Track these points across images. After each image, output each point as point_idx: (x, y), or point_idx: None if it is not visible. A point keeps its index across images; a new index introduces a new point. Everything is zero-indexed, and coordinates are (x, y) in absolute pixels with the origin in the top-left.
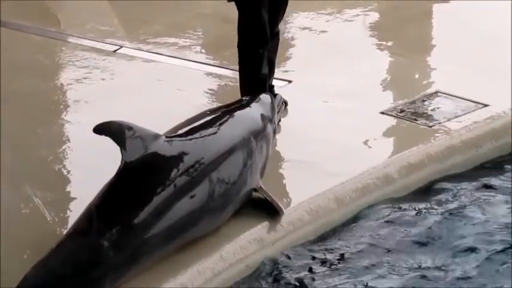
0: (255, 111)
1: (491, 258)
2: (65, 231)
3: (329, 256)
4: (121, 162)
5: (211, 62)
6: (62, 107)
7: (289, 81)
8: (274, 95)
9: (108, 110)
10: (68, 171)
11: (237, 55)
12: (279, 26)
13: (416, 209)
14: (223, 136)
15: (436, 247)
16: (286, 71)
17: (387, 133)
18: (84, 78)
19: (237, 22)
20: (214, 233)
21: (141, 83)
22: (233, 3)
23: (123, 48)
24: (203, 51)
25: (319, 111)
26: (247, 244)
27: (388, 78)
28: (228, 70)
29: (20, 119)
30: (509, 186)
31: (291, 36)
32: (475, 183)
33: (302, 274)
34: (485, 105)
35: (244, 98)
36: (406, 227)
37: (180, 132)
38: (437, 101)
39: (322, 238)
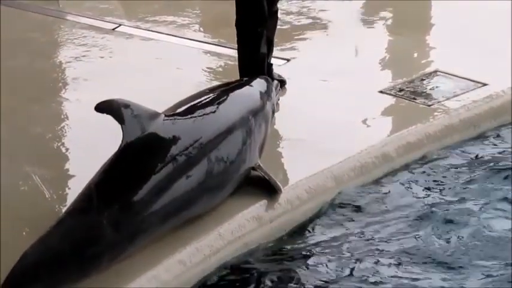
0: (254, 90)
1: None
2: (64, 209)
3: (325, 235)
4: (121, 141)
5: (209, 40)
6: (60, 84)
7: (288, 60)
8: (272, 79)
9: (106, 88)
10: (67, 149)
11: (235, 34)
12: (277, 4)
13: (413, 186)
14: (222, 115)
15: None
16: (284, 50)
17: (386, 112)
18: (83, 56)
19: (235, 0)
20: (212, 211)
21: (140, 61)
22: None
23: (121, 26)
24: (201, 29)
25: (318, 90)
26: (245, 222)
27: (387, 57)
28: (227, 49)
29: (18, 97)
30: (508, 162)
31: (290, 14)
32: (472, 159)
33: (298, 254)
34: (484, 84)
35: (244, 77)
36: (403, 206)
37: (179, 110)
38: (437, 80)
39: (319, 217)
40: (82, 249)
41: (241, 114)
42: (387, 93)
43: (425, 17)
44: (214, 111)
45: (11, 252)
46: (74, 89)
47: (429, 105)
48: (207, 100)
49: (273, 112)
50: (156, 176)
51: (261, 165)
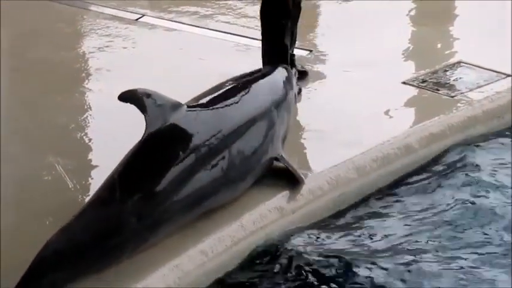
0: (276, 80)
1: None
2: (86, 199)
3: (348, 225)
4: (144, 131)
5: (233, 31)
6: (83, 75)
7: (310, 51)
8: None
9: (129, 79)
10: (90, 139)
11: (259, 25)
12: None
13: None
14: (244, 105)
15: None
16: (307, 41)
17: (409, 103)
18: (106, 46)
19: None
20: (234, 201)
21: (163, 51)
22: None
23: (145, 16)
24: (224, 20)
25: (341, 80)
26: (267, 213)
27: (410, 48)
28: (250, 39)
29: (41, 87)
30: None
31: (313, 5)
32: (496, 152)
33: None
34: (508, 76)
35: (265, 67)
36: (429, 197)
37: (202, 101)
38: (460, 71)
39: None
40: (104, 239)
41: (263, 105)
42: (410, 84)
43: (449, 7)
44: (236, 102)
45: (34, 241)
46: (97, 79)
47: (452, 97)
48: (229, 91)
49: (296, 102)
50: (178, 166)
51: (284, 155)
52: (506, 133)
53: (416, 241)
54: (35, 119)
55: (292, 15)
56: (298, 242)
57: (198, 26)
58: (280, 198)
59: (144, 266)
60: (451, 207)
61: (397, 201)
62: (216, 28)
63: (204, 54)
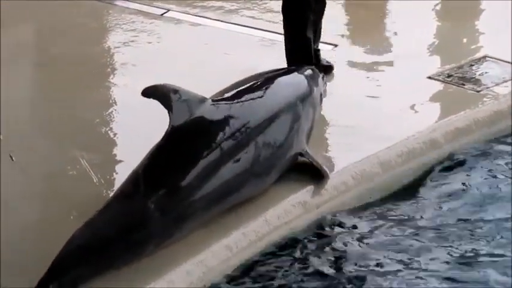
0: (302, 76)
1: None
2: (111, 194)
3: (373, 220)
4: (168, 125)
5: (257, 25)
6: (109, 70)
7: (335, 45)
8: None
9: (154, 74)
10: (115, 134)
11: (282, 19)
12: None
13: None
14: (269, 100)
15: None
16: (332, 35)
17: (434, 98)
18: (131, 41)
19: None
20: (259, 196)
21: (188, 46)
22: None
23: (170, 11)
24: (249, 15)
25: (366, 75)
26: (291, 208)
27: (436, 43)
28: (274, 34)
29: (67, 82)
30: None
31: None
32: None
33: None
34: None
35: (289, 62)
36: (454, 191)
37: (227, 96)
38: (486, 66)
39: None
40: (129, 233)
41: (288, 100)
42: (435, 79)
43: (475, 2)
44: (261, 97)
45: (59, 235)
46: (122, 74)
47: (478, 91)
48: (254, 86)
49: (321, 99)
50: (202, 161)
51: (308, 151)
52: None
53: (446, 238)
54: (60, 114)
55: (317, 9)
56: (321, 237)
57: (223, 21)
58: (304, 193)
59: (167, 261)
60: (478, 202)
61: (421, 197)
62: (241, 23)
63: (229, 49)
